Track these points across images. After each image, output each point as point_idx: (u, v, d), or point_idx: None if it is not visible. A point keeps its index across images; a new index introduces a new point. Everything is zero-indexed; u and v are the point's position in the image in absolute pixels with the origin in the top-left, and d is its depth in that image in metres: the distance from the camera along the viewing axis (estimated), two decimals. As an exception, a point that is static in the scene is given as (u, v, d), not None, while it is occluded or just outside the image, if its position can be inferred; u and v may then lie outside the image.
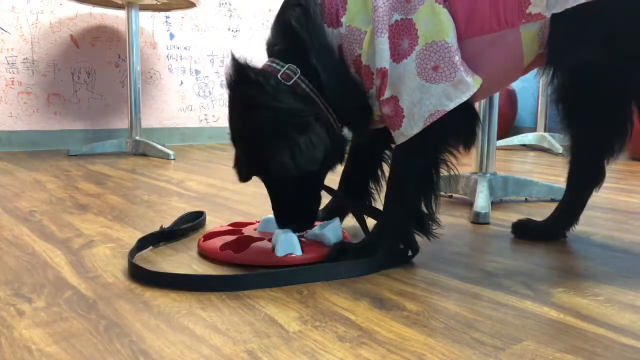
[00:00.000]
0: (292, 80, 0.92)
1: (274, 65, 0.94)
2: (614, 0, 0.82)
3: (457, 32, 0.87)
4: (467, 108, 0.89)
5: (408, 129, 0.89)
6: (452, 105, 0.86)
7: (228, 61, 0.93)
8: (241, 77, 0.92)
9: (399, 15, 0.88)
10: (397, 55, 0.88)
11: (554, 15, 0.83)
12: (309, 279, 0.86)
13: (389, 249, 0.95)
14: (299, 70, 0.93)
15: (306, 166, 0.90)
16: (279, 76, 0.92)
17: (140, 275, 0.87)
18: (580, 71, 1.01)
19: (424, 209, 0.95)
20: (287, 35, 0.95)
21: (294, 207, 1.00)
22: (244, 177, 0.99)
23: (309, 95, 0.93)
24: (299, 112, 0.91)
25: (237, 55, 0.93)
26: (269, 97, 0.90)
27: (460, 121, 0.90)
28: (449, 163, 0.96)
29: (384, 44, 0.88)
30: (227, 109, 0.98)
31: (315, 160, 0.91)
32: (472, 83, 0.86)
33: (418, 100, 0.87)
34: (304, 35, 0.92)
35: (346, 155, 1.01)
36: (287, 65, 0.93)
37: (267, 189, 1.00)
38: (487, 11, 0.85)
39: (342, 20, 0.92)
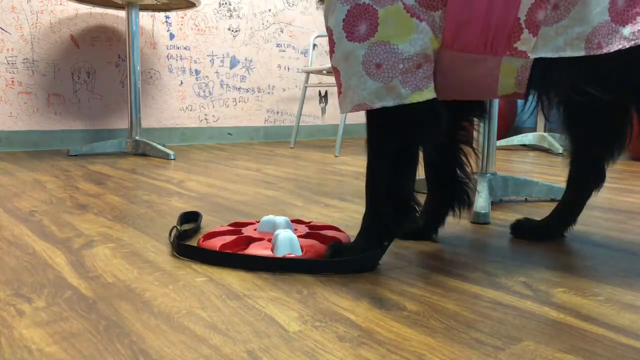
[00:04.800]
0: None
1: None
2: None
3: (442, 41, 0.87)
4: (430, 109, 0.89)
5: (342, 105, 0.92)
6: (378, 105, 0.88)
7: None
8: None
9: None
10: (351, 34, 0.89)
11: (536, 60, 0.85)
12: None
13: (379, 243, 0.94)
14: None
15: None
16: None
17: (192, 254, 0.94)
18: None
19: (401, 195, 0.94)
20: None
21: None
22: None
23: None
24: None
25: None
26: None
27: (422, 118, 0.91)
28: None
29: (341, 12, 0.88)
30: None
31: None
32: (407, 95, 0.87)
33: (354, 86, 0.89)
34: None
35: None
36: None
37: None
38: (478, 33, 0.87)
39: None
